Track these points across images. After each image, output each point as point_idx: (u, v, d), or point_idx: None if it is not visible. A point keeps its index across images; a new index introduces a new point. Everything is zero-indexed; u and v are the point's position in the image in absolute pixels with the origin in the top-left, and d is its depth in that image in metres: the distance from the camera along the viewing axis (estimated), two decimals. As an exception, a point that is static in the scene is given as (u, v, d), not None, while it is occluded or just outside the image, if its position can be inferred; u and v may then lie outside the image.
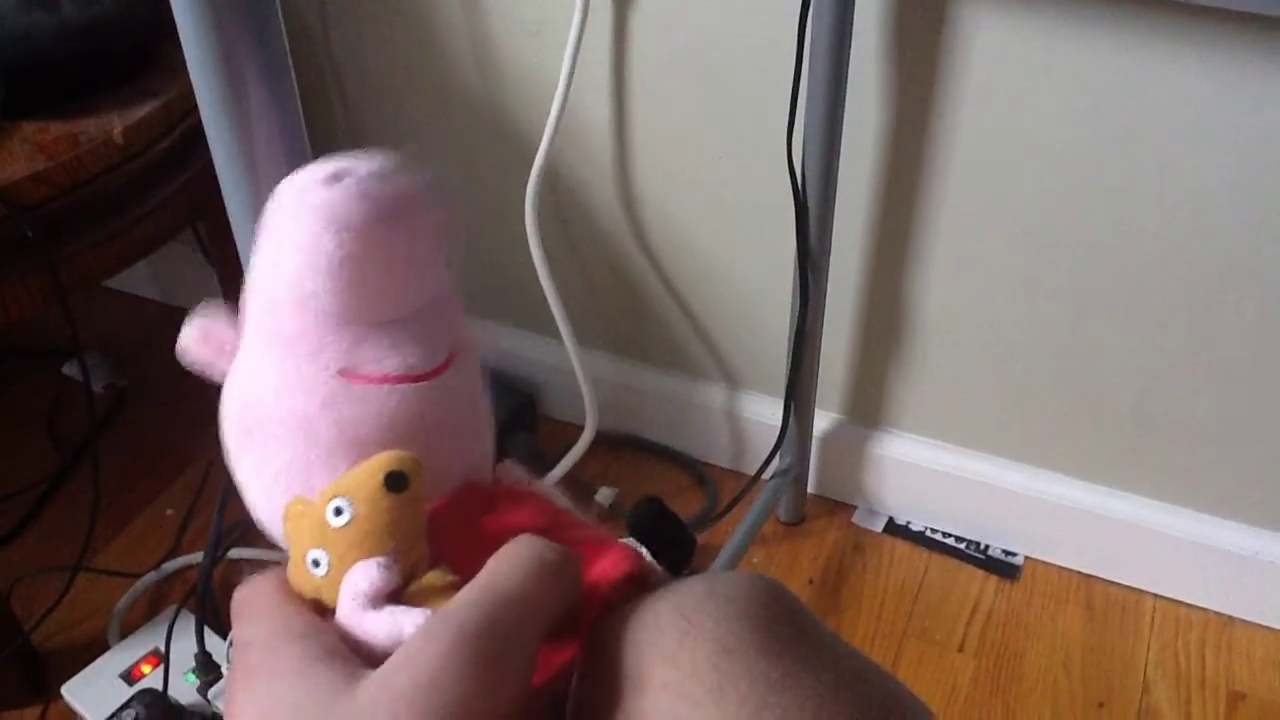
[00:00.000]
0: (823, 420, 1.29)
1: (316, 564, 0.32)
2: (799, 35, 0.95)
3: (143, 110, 0.95)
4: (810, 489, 1.34)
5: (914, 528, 1.31)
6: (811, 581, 1.25)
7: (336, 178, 0.32)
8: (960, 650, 1.18)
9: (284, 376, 0.33)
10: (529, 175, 1.18)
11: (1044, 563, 1.26)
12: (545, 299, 1.23)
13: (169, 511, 1.32)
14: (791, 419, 1.21)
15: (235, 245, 1.30)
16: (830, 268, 1.12)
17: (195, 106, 1.00)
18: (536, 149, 1.16)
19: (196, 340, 0.36)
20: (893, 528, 1.31)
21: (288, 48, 0.46)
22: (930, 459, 1.26)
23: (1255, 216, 0.96)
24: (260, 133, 0.47)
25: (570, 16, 1.08)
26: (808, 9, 0.93)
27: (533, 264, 1.21)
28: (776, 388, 1.26)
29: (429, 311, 0.35)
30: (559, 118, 1.13)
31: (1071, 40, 0.93)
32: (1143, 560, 1.21)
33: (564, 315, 1.24)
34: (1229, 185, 0.96)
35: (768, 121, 1.07)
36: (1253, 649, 1.17)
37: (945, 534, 1.30)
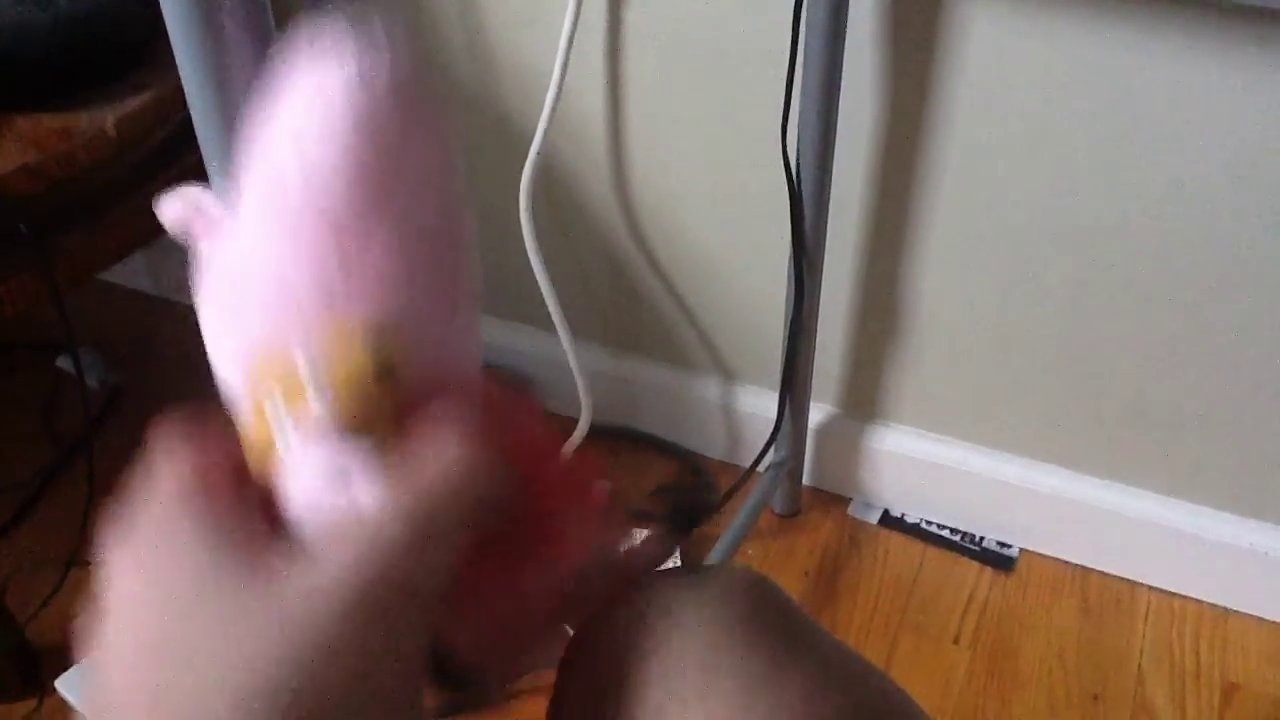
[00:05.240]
0: (818, 413, 1.29)
1: (273, 403, 0.31)
2: (794, 26, 0.94)
3: (136, 103, 0.95)
4: (805, 481, 1.34)
5: (909, 520, 1.31)
6: (807, 574, 1.25)
7: (361, 61, 0.31)
8: (955, 643, 1.18)
9: (277, 245, 0.32)
10: (523, 167, 1.17)
11: (1039, 555, 1.26)
12: (540, 291, 1.23)
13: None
14: (786, 412, 1.21)
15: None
16: (825, 260, 1.12)
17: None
18: (531, 141, 1.15)
19: (181, 209, 0.35)
20: (888, 520, 1.31)
21: (273, 25, 0.46)
22: (926, 451, 1.26)
23: (1252, 210, 0.96)
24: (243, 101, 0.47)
25: (565, 7, 1.07)
26: (802, 1, 0.93)
27: (527, 256, 1.21)
28: (771, 380, 1.26)
29: (436, 181, 0.34)
30: (553, 109, 1.13)
31: (1068, 31, 0.93)
32: (1138, 552, 1.22)
33: (558, 307, 1.24)
34: (1225, 178, 0.96)
35: (762, 113, 1.07)
36: (1247, 641, 1.18)
37: (940, 526, 1.30)
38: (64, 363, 1.49)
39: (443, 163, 0.33)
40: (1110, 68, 0.94)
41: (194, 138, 1.01)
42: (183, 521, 0.29)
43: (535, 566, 0.34)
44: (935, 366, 1.20)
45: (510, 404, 0.36)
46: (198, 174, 1.14)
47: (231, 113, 0.47)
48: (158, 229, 1.14)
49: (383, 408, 0.31)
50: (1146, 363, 1.09)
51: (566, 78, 1.12)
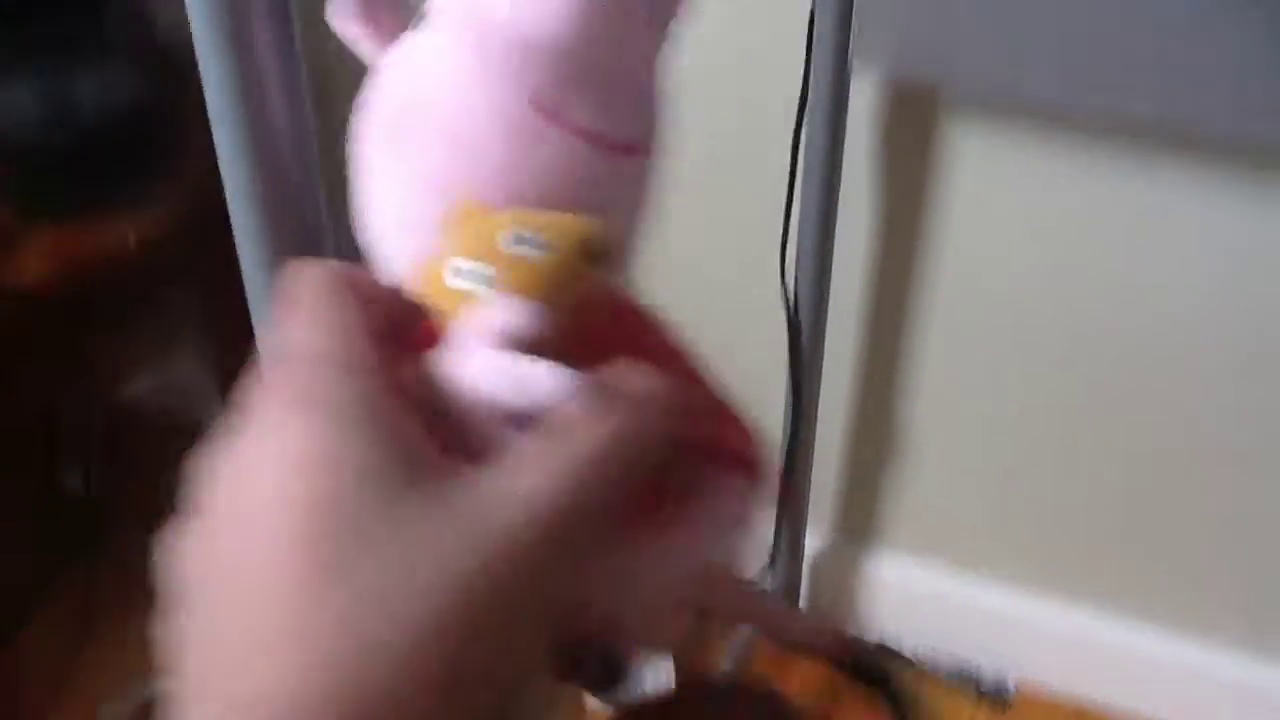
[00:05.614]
0: (814, 538, 1.29)
1: (458, 273, 0.26)
2: (791, 158, 0.98)
3: (157, 214, 0.98)
4: (802, 605, 1.33)
5: (906, 650, 1.30)
6: (801, 705, 1.24)
7: None
8: (952, 775, 1.16)
9: (468, 84, 0.28)
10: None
11: (1037, 687, 1.25)
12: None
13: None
14: (782, 539, 1.21)
15: (238, 354, 1.31)
16: (821, 383, 1.14)
17: (206, 213, 1.03)
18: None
19: (353, 5, 0.31)
20: (884, 649, 1.30)
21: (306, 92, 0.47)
22: (923, 580, 1.26)
23: (1243, 331, 0.99)
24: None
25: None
26: (800, 132, 0.96)
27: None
28: (767, 507, 1.26)
29: (641, 80, 0.30)
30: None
31: (1060, 154, 0.97)
32: (1137, 687, 1.20)
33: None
34: (1219, 298, 0.98)
35: (758, 237, 1.09)
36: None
37: (937, 656, 1.28)
38: (64, 475, 1.49)
39: (657, 47, 0.30)
40: (1102, 191, 0.97)
41: (213, 249, 1.05)
42: (340, 391, 0.23)
43: (681, 532, 0.30)
44: (932, 489, 1.21)
45: (685, 355, 0.32)
46: (217, 283, 1.15)
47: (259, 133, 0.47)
48: (170, 339, 1.15)
49: (585, 299, 0.27)
50: (1146, 486, 1.10)
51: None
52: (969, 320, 1.08)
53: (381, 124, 0.30)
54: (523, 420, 0.25)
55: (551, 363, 0.25)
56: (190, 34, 0.47)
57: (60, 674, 1.18)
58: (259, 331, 0.50)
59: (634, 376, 0.26)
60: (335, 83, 1.16)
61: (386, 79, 0.30)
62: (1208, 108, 0.87)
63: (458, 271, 0.26)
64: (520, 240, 0.26)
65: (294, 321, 0.25)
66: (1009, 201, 1.00)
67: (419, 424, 0.24)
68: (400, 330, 0.26)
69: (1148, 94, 0.87)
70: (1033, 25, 0.88)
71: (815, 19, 0.90)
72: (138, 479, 1.49)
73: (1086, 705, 1.23)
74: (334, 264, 0.27)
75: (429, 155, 0.28)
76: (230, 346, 1.24)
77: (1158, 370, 1.03)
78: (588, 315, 0.27)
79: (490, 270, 0.26)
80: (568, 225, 0.27)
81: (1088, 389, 1.07)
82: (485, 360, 0.25)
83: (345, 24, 0.31)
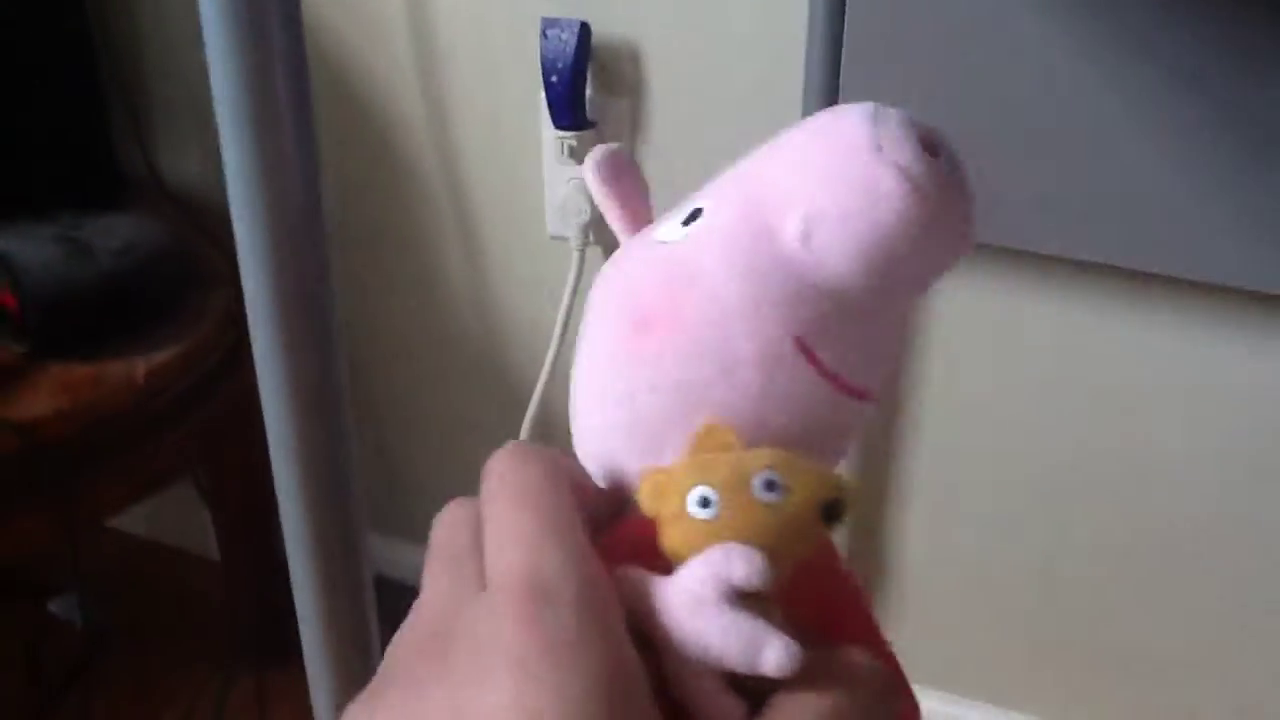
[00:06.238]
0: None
1: (706, 504, 0.26)
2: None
3: (165, 355, 1.01)
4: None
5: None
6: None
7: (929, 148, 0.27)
8: None
9: (736, 303, 0.28)
10: (523, 420, 1.23)
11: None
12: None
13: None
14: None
15: (233, 490, 1.31)
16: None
17: (213, 353, 1.06)
18: (531, 394, 1.21)
19: (609, 173, 0.33)
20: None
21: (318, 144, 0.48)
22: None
23: (1223, 471, 1.02)
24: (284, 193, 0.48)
25: (568, 269, 1.15)
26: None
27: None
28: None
29: (894, 332, 0.30)
30: (554, 364, 1.19)
31: (1044, 292, 1.01)
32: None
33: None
34: (1198, 440, 1.01)
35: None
36: None
37: (931, 783, 1.28)
38: (56, 606, 1.49)
39: (916, 302, 0.30)
40: (1082, 335, 1.01)
41: (213, 390, 1.08)
42: (585, 652, 0.23)
43: None
44: (919, 618, 1.22)
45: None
46: (217, 425, 1.17)
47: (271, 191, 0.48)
48: (169, 475, 1.17)
49: (804, 556, 0.26)
50: (1133, 609, 1.12)
51: (565, 338, 1.19)
52: (953, 449, 1.11)
53: (625, 310, 0.30)
54: (734, 678, 0.25)
55: (780, 633, 0.24)
56: (200, 184, 0.49)
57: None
58: (278, 479, 0.52)
59: (856, 654, 0.26)
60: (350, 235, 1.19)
61: (641, 261, 0.30)
62: (1174, 253, 0.91)
63: (704, 502, 0.26)
64: (771, 486, 0.25)
65: (516, 518, 0.25)
66: (993, 334, 1.04)
67: (647, 681, 0.23)
68: (597, 526, 0.26)
69: (1130, 244, 0.91)
70: (1022, 173, 0.92)
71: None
72: (129, 608, 1.49)
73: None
74: (554, 454, 0.27)
75: (679, 360, 0.28)
76: (217, 480, 1.26)
77: (1139, 502, 1.06)
78: (804, 572, 0.27)
79: (736, 511, 0.25)
80: (818, 480, 0.26)
81: (1071, 516, 1.09)
82: (719, 616, 0.24)
83: (592, 179, 0.33)
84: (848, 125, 0.27)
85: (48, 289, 0.96)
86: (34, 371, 0.97)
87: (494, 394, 1.29)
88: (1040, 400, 1.05)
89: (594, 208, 1.11)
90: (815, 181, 0.27)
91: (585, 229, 1.13)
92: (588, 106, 1.07)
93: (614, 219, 0.33)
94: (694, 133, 1.06)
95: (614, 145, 0.34)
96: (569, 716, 0.21)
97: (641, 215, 0.34)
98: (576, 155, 1.09)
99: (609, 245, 1.18)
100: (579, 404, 0.32)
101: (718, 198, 0.30)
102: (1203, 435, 1.01)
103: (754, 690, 0.25)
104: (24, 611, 1.49)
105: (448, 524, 0.28)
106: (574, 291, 1.16)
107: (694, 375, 0.28)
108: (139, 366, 0.99)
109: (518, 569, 0.24)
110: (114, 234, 1.01)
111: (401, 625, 0.26)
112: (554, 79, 1.04)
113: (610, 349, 0.30)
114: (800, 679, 0.24)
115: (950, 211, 0.27)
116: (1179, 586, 1.08)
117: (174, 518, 1.59)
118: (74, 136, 1.17)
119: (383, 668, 0.25)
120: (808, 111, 0.91)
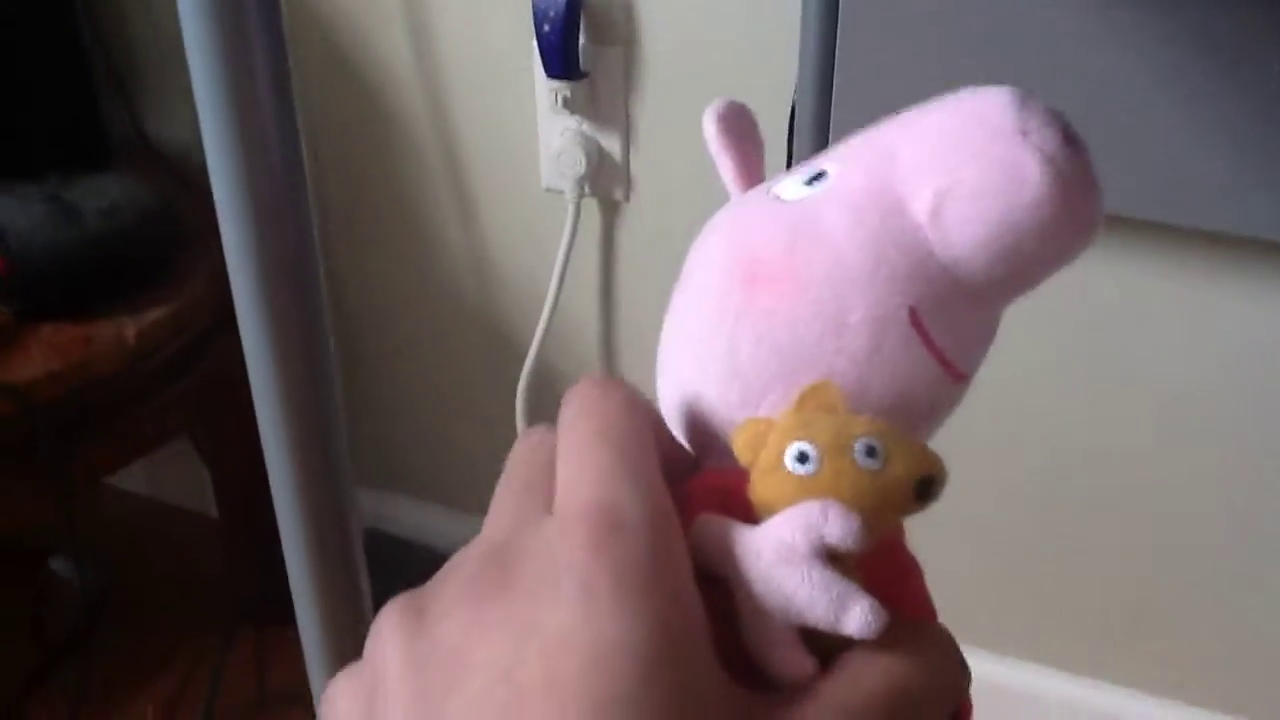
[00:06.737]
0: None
1: (804, 459, 0.25)
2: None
3: (155, 315, 1.00)
4: None
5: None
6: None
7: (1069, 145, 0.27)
8: None
9: (854, 268, 0.28)
10: (520, 375, 1.22)
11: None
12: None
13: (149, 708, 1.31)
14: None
15: (229, 449, 1.30)
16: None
17: (204, 313, 1.05)
18: (527, 350, 1.20)
19: (729, 125, 0.33)
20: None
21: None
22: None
23: (1230, 416, 1.01)
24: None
25: (563, 226, 1.14)
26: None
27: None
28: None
29: (996, 318, 0.30)
30: (549, 321, 1.18)
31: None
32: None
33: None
34: (1205, 386, 1.01)
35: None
36: None
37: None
38: (56, 564, 1.49)
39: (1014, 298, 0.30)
40: (1089, 281, 1.00)
41: (206, 349, 1.07)
42: (658, 585, 0.22)
43: None
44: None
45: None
46: (208, 383, 1.17)
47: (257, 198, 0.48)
48: (164, 435, 1.16)
49: (892, 528, 0.27)
50: (1132, 562, 1.12)
51: (562, 292, 1.18)
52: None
53: (739, 263, 0.29)
54: (810, 634, 0.24)
55: (868, 595, 0.24)
56: (187, 145, 0.48)
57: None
58: (263, 430, 0.51)
59: (926, 625, 0.27)
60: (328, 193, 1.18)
61: (760, 215, 0.30)
62: (1188, 204, 0.90)
63: (802, 457, 0.25)
64: (873, 453, 0.25)
65: (592, 449, 0.25)
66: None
67: (713, 632, 0.23)
68: (670, 474, 0.26)
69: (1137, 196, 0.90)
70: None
71: (795, 113, 0.93)
72: (129, 566, 1.49)
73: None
74: (636, 391, 0.27)
75: (791, 317, 0.28)
76: (215, 439, 1.25)
77: (1145, 450, 1.05)
78: (886, 547, 0.27)
79: (835, 472, 0.25)
80: (918, 455, 0.26)
81: (1073, 466, 1.09)
82: (810, 570, 0.24)
83: (711, 130, 0.33)
84: (993, 106, 0.27)
85: (35, 250, 0.95)
86: (24, 333, 0.96)
87: (489, 347, 1.28)
88: (1049, 361, 1.04)
89: (589, 159, 1.10)
90: (954, 157, 0.27)
91: (580, 181, 1.11)
92: (580, 56, 1.06)
93: (727, 172, 0.33)
94: (687, 81, 1.05)
95: (734, 99, 0.33)
96: (634, 649, 0.21)
97: (755, 171, 0.33)
98: (570, 106, 1.08)
99: (604, 198, 1.18)
100: (670, 353, 0.32)
101: (846, 161, 0.29)
102: (1215, 384, 1.00)
103: (818, 648, 0.25)
104: (27, 569, 1.50)
105: (522, 451, 0.28)
106: (569, 245, 1.15)
107: (803, 334, 0.28)
108: (129, 327, 0.98)
109: (590, 498, 0.24)
110: (101, 195, 1.00)
111: (462, 548, 0.25)
112: (546, 28, 1.02)
113: (717, 301, 0.30)
114: (873, 642, 0.24)
115: (1084, 206, 0.27)
116: (1191, 532, 1.08)
117: (174, 475, 1.59)
118: (60, 98, 1.15)
119: (435, 582, 0.24)
120: (803, 57, 0.89)
